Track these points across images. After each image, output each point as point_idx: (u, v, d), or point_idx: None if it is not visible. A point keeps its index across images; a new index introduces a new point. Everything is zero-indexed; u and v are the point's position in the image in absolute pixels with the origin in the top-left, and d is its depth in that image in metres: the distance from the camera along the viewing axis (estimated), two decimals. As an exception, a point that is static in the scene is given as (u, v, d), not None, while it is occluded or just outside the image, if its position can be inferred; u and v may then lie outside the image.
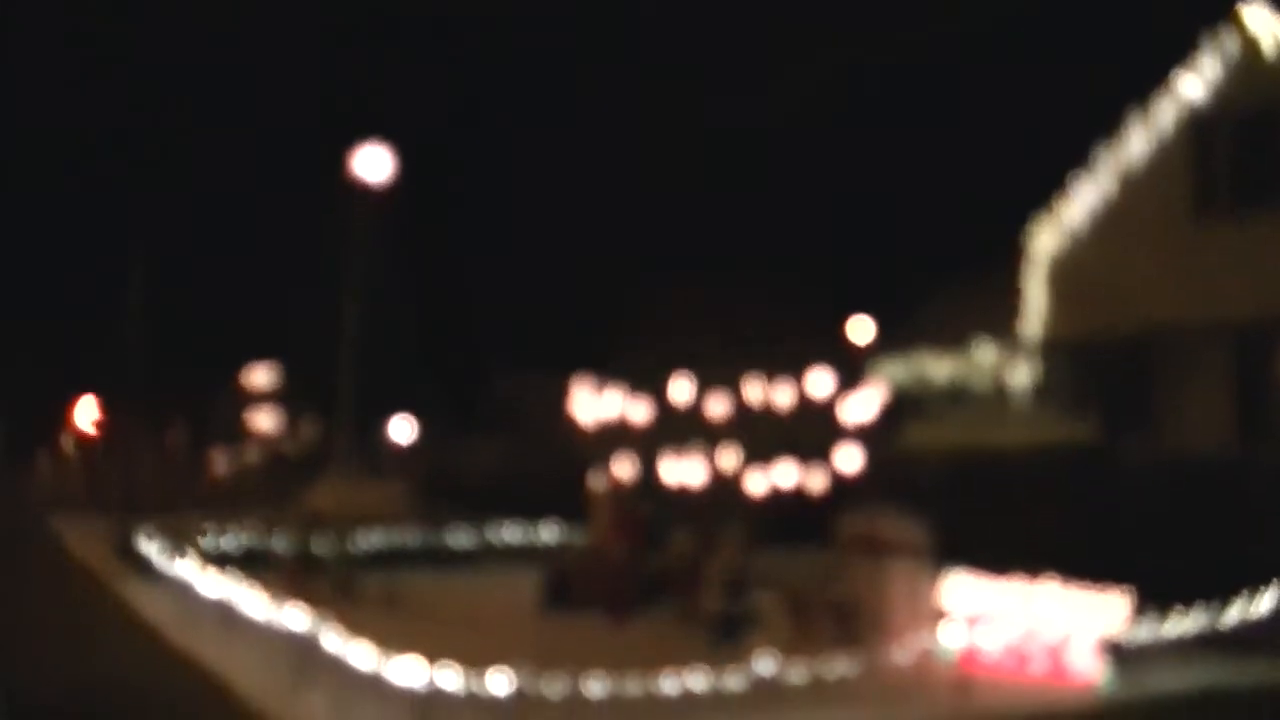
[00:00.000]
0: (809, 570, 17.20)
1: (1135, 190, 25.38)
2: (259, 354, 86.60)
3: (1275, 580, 17.14)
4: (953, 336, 30.37)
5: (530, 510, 23.80)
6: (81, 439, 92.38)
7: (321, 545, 22.03)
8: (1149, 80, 25.50)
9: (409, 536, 26.40)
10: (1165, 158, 24.88)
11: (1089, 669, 14.52)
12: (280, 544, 22.14)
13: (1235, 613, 16.47)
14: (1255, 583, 17.36)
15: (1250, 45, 23.76)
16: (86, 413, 79.02)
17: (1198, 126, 24.54)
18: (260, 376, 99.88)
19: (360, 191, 21.98)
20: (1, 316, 72.11)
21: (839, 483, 25.16)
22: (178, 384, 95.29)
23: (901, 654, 15.27)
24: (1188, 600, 17.31)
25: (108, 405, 71.80)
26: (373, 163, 21.97)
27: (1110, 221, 25.61)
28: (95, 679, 15.46)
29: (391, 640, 16.94)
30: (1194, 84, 24.55)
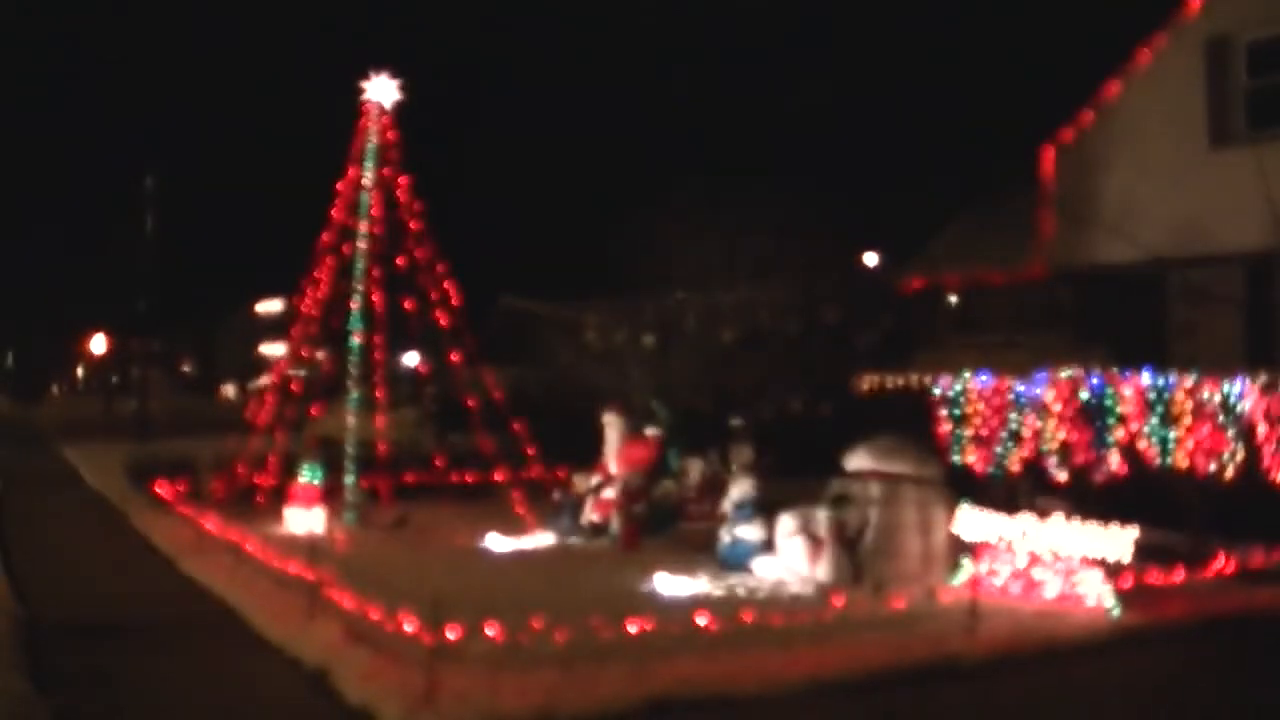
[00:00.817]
0: (820, 497, 17.20)
1: (1149, 117, 25.20)
2: (269, 283, 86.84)
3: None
4: (965, 264, 30.29)
5: (540, 437, 23.78)
6: (93, 371, 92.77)
7: (334, 472, 22.10)
8: (1164, 4, 25.28)
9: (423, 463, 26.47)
10: (1181, 82, 24.70)
11: (1098, 595, 14.54)
12: (294, 470, 22.17)
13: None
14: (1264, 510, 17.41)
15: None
16: (98, 346, 79.32)
17: (1212, 50, 24.35)
18: (270, 305, 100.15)
19: (369, 120, 21.98)
20: (11, 251, 72.19)
21: (849, 409, 25.18)
22: (188, 314, 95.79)
23: (912, 582, 15.33)
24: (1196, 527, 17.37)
25: (120, 338, 72.13)
26: (381, 91, 21.98)
27: (1124, 149, 25.45)
28: (111, 605, 15.55)
29: (402, 566, 17.07)
30: (1209, 7, 24.34)
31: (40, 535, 21.46)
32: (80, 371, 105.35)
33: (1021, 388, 20.48)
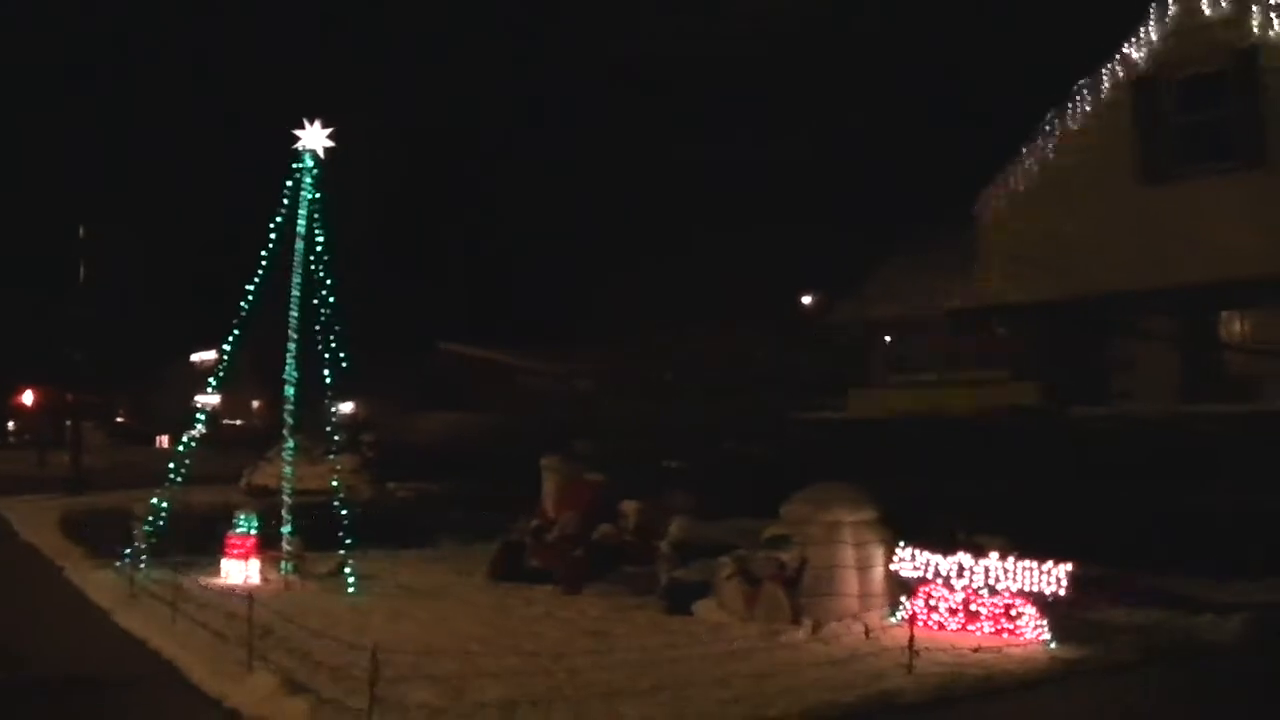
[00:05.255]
0: (759, 538, 17.22)
1: (1083, 156, 25.41)
2: (205, 333, 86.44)
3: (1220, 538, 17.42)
4: (902, 303, 30.45)
5: (481, 482, 23.74)
6: (25, 424, 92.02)
7: (272, 521, 21.94)
8: (1095, 46, 25.58)
9: (359, 511, 26.41)
10: (1111, 123, 24.94)
11: (1034, 630, 14.61)
12: (231, 521, 21.99)
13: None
14: (1201, 540, 17.64)
15: (1190, 5, 23.80)
16: (30, 400, 78.76)
17: (1141, 90, 24.60)
18: (205, 355, 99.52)
19: (302, 168, 21.82)
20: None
21: (786, 448, 25.21)
22: (125, 366, 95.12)
23: (850, 620, 15.38)
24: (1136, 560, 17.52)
25: (55, 390, 71.62)
26: (314, 139, 21.83)
27: (1057, 187, 25.66)
28: (45, 660, 15.35)
29: (342, 615, 16.97)
30: (1138, 47, 24.61)
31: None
32: (11, 424, 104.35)
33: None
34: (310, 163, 21.77)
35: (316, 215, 21.72)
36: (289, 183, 21.74)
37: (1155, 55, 24.36)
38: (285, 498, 21.75)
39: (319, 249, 21.54)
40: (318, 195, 21.76)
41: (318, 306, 21.51)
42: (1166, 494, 19.46)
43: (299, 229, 21.66)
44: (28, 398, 78.64)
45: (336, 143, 21.84)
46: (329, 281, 21.58)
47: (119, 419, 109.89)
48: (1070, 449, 21.68)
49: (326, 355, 21.26)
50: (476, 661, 12.68)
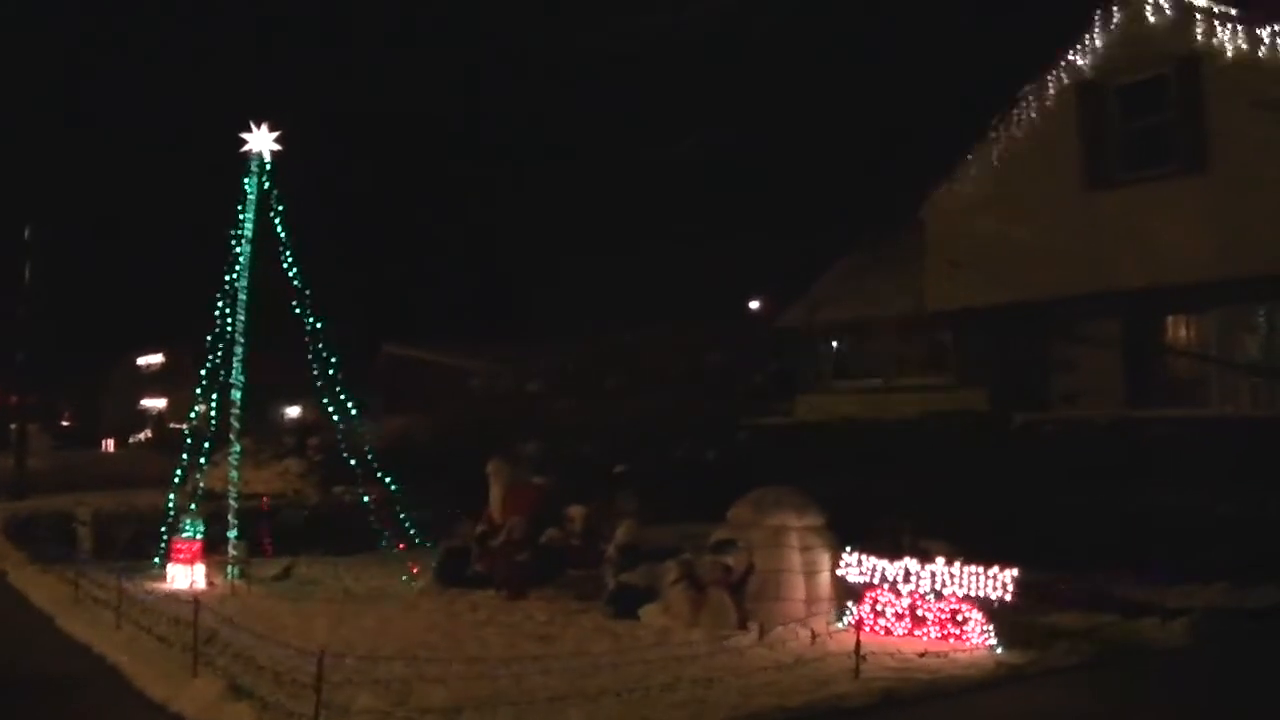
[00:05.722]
0: (705, 542, 17.21)
1: (1028, 161, 25.50)
2: (152, 336, 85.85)
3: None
4: (849, 307, 30.50)
5: (428, 486, 23.66)
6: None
7: (218, 525, 21.79)
8: (1040, 52, 25.68)
9: (305, 515, 26.26)
10: (1056, 128, 25.04)
11: (980, 634, 14.64)
12: (176, 525, 21.82)
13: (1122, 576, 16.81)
14: (1147, 543, 17.74)
15: (1134, 12, 23.92)
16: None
17: (1086, 96, 24.71)
18: (151, 358, 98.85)
19: (249, 171, 21.70)
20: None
21: (734, 453, 25.22)
22: (70, 367, 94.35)
23: (797, 625, 15.38)
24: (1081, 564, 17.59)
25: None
26: (261, 142, 21.73)
27: (1005, 192, 25.72)
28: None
29: (287, 620, 16.86)
30: (1082, 53, 24.71)
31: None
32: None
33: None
34: (256, 166, 21.70)
35: (276, 218, 21.65)
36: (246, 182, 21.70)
37: (1100, 62, 24.46)
38: (231, 502, 21.63)
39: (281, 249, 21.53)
40: (267, 194, 21.69)
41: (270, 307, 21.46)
42: (1112, 498, 19.58)
43: (246, 232, 21.58)
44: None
45: (292, 144, 21.79)
46: (294, 281, 21.56)
47: (64, 422, 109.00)
48: (1016, 453, 21.80)
49: (308, 355, 21.28)
50: (421, 666, 12.62)
